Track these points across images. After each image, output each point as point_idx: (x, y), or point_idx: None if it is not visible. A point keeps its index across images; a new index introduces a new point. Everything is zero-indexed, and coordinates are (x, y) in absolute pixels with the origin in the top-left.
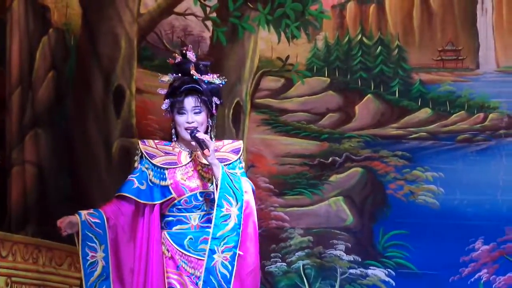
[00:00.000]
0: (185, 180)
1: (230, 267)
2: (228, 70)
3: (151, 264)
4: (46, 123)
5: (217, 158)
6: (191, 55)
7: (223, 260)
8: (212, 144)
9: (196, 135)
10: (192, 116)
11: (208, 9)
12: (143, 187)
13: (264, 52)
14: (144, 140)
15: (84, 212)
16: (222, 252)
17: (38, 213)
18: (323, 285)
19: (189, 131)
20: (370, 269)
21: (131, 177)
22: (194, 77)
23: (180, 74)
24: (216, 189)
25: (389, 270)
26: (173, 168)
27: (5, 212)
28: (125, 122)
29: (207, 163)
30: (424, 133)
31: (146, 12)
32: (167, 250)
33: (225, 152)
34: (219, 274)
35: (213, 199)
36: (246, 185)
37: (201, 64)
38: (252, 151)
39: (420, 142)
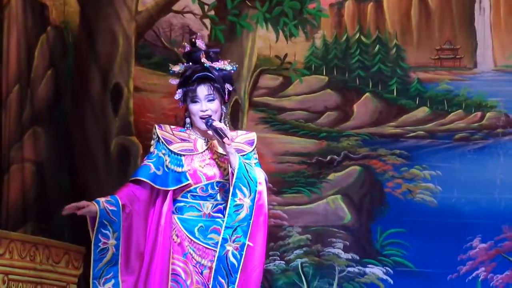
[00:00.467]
0: (202, 168)
1: (239, 257)
2: None
3: (158, 249)
4: (44, 121)
5: (238, 143)
6: (200, 43)
7: (234, 250)
8: (229, 132)
9: (213, 124)
10: (206, 104)
11: (206, 7)
12: (159, 173)
13: (262, 50)
14: (161, 125)
15: (102, 200)
16: (233, 241)
17: (37, 211)
18: (321, 283)
19: (204, 120)
20: (368, 267)
21: (148, 161)
22: (205, 65)
23: (190, 63)
24: (232, 178)
25: (387, 268)
26: (190, 155)
27: (0, 210)
28: (123, 120)
29: (223, 153)
30: (422, 132)
31: (144, 10)
32: (177, 235)
33: (239, 142)
34: (228, 263)
35: (227, 189)
36: (261, 176)
37: (211, 52)
38: None
39: (418, 141)
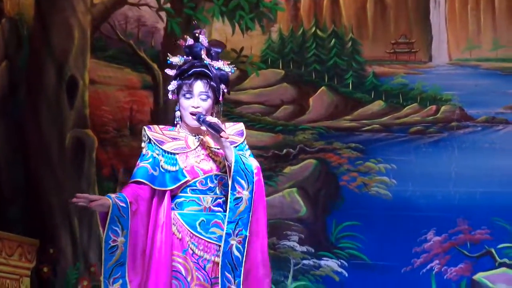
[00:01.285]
0: (199, 163)
1: (242, 250)
2: None
3: (160, 246)
4: None
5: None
6: (203, 39)
7: (237, 243)
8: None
9: (206, 119)
10: (198, 101)
11: (162, 0)
12: (156, 173)
13: (222, 43)
14: (150, 126)
15: (112, 195)
16: (236, 235)
17: None
18: (276, 276)
19: (194, 117)
20: (323, 260)
21: (144, 163)
22: (205, 61)
23: (190, 57)
24: (229, 172)
25: (341, 261)
26: (184, 152)
27: None
28: (78, 113)
29: (216, 147)
30: (377, 125)
31: (99, 3)
32: (178, 231)
33: (230, 134)
34: (233, 258)
35: (225, 183)
36: (255, 166)
37: (213, 50)
38: None
39: (373, 134)
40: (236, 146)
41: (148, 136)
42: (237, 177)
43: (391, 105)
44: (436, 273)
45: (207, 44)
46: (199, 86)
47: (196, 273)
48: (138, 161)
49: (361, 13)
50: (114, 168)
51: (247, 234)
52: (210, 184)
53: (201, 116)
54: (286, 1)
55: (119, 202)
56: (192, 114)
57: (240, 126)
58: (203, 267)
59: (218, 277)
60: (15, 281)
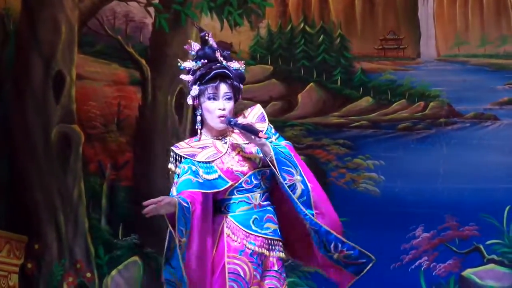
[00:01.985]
0: (235, 166)
1: (317, 224)
2: (170, 57)
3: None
4: None
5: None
6: (212, 41)
7: (310, 224)
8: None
9: (237, 122)
10: (224, 102)
11: None
12: (201, 180)
13: None
14: (176, 145)
15: (176, 196)
16: (305, 219)
17: None
18: None
19: (223, 119)
20: None
21: (185, 176)
22: (223, 63)
23: (206, 61)
24: (274, 166)
25: None
26: (218, 158)
27: None
28: (65, 108)
29: (243, 143)
30: (366, 122)
31: None
32: (232, 233)
33: (253, 123)
34: (317, 233)
35: (268, 177)
36: (290, 147)
37: (225, 51)
38: None
39: (361, 131)
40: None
41: (178, 155)
42: (283, 167)
43: (379, 101)
44: (425, 270)
45: (217, 45)
46: (223, 87)
47: (254, 272)
48: (175, 180)
49: (350, 9)
50: (101, 163)
51: (313, 212)
52: (255, 181)
53: (231, 119)
54: None
55: (182, 202)
56: (220, 117)
57: (259, 109)
58: (260, 263)
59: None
60: (3, 278)
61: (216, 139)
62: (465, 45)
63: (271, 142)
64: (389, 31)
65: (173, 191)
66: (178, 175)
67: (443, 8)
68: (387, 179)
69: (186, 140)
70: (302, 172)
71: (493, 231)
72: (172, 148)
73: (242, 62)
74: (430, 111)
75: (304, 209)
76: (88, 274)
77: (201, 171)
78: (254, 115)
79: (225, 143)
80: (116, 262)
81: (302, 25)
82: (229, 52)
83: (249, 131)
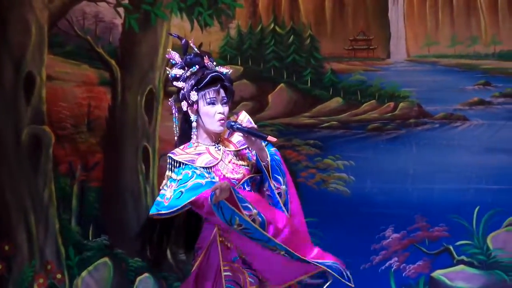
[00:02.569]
0: (232, 174)
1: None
2: (140, 57)
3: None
4: None
5: (240, 137)
6: (195, 48)
7: None
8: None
9: (242, 125)
10: (222, 106)
11: None
12: (208, 179)
13: (177, 39)
14: (173, 151)
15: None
16: None
17: None
18: None
19: (224, 124)
20: None
21: (192, 181)
22: (216, 67)
23: (196, 67)
24: (268, 171)
25: None
26: (215, 165)
27: None
28: (35, 109)
29: (235, 150)
30: (336, 122)
31: None
32: (226, 240)
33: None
34: None
35: (258, 183)
36: (278, 154)
37: (211, 56)
38: (165, 139)
39: (331, 131)
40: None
41: (177, 161)
42: (275, 175)
43: (349, 102)
44: (395, 271)
45: (200, 51)
46: (221, 92)
47: (249, 279)
48: (170, 183)
49: (320, 10)
50: (72, 164)
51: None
52: (247, 188)
53: (233, 123)
54: None
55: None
56: (220, 120)
57: (244, 116)
58: (255, 270)
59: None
60: None
61: (210, 145)
62: (435, 45)
63: (272, 152)
64: (359, 31)
65: (167, 193)
66: (178, 181)
67: (413, 8)
68: (357, 180)
69: (181, 147)
70: (287, 182)
71: (463, 232)
72: (170, 155)
73: (227, 66)
74: (400, 112)
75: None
76: (59, 275)
77: (206, 175)
78: (241, 121)
79: (219, 149)
80: (87, 263)
81: (272, 25)
82: (212, 58)
83: (256, 135)
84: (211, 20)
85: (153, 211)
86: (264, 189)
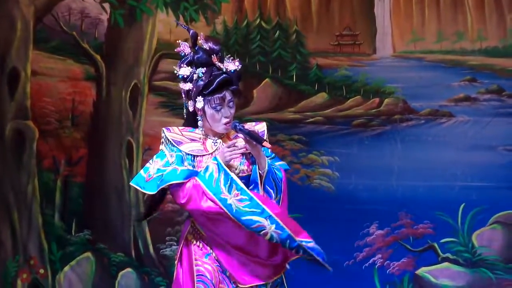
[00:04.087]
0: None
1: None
2: (126, 52)
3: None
4: None
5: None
6: (203, 42)
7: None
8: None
9: (244, 128)
10: (228, 109)
11: None
12: (189, 167)
13: (162, 34)
14: (168, 127)
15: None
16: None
17: None
18: None
19: (229, 126)
20: None
21: (172, 166)
22: (223, 69)
23: (204, 68)
24: (260, 180)
25: None
26: (201, 155)
27: None
28: (19, 105)
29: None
30: (321, 118)
31: None
32: (195, 238)
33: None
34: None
35: (245, 184)
36: (283, 174)
37: (219, 52)
38: (149, 133)
39: (316, 126)
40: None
41: (166, 137)
42: (267, 186)
43: (334, 97)
44: (379, 268)
45: (212, 46)
46: (228, 95)
47: (220, 277)
48: (156, 159)
49: (306, 5)
50: (56, 159)
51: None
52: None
53: (237, 124)
54: None
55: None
56: (226, 123)
57: (262, 126)
58: (224, 270)
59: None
60: None
61: (210, 137)
62: (421, 41)
63: (273, 164)
64: (345, 27)
65: (151, 170)
66: (164, 157)
67: (400, 4)
68: (341, 176)
69: (181, 127)
70: (280, 201)
71: (448, 229)
72: (164, 129)
73: (237, 60)
74: (385, 108)
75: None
76: (42, 271)
77: (185, 162)
78: (257, 130)
79: (215, 144)
80: (69, 258)
81: (258, 21)
82: (218, 48)
83: (254, 138)
84: (197, 15)
85: (133, 182)
86: None
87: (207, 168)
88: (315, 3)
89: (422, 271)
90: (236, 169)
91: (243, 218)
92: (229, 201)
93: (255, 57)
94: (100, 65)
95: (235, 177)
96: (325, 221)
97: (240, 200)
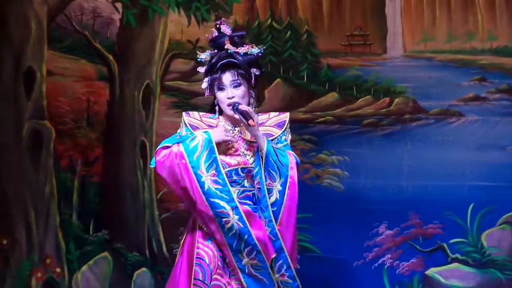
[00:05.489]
0: (225, 156)
1: (274, 239)
2: (138, 53)
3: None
4: None
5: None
6: (225, 28)
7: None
8: (256, 115)
9: (239, 107)
10: (232, 90)
11: None
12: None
13: (174, 34)
14: (189, 112)
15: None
16: (267, 225)
17: None
18: None
19: (230, 107)
20: None
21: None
22: (229, 51)
23: (216, 50)
24: (262, 162)
25: None
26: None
27: None
28: (35, 104)
29: (250, 140)
30: (331, 117)
31: None
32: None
33: (269, 126)
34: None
35: (254, 175)
36: (292, 160)
37: (236, 36)
38: (161, 134)
39: (326, 126)
40: (273, 139)
41: (184, 121)
42: (268, 169)
43: (344, 97)
44: (388, 268)
45: (230, 32)
46: (228, 76)
47: (219, 262)
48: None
49: (317, 5)
50: (72, 159)
51: (276, 226)
52: (235, 177)
53: (235, 104)
54: None
55: None
56: (229, 105)
57: (284, 116)
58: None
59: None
60: None
61: (229, 125)
62: (431, 41)
63: (280, 148)
64: (356, 27)
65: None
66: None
67: (411, 4)
68: (351, 175)
69: (202, 113)
70: (287, 185)
71: (457, 230)
72: (184, 113)
73: (252, 44)
74: (395, 107)
75: (271, 214)
76: (58, 270)
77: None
78: (276, 120)
79: (233, 132)
80: (87, 258)
81: (269, 21)
82: (243, 34)
83: (243, 116)
84: (208, 15)
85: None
86: (255, 182)
87: (194, 138)
88: (326, 3)
89: (432, 271)
90: (249, 157)
91: (211, 199)
92: (203, 179)
93: (266, 57)
94: (113, 65)
95: (218, 158)
96: (335, 221)
97: (215, 182)
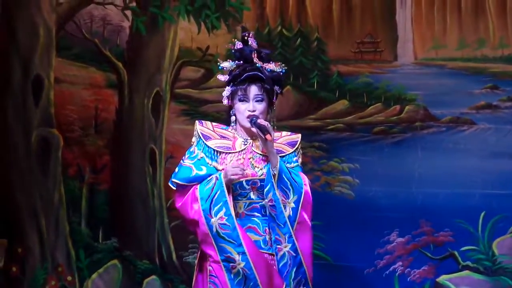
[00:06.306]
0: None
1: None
2: (147, 60)
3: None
4: None
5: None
6: (253, 42)
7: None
8: (273, 131)
9: (257, 121)
10: (254, 104)
11: None
12: (202, 172)
13: (184, 42)
14: (202, 121)
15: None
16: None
17: None
18: None
19: (249, 119)
20: None
21: (189, 162)
22: (257, 64)
23: (241, 61)
24: (275, 179)
25: None
26: (226, 153)
27: None
28: (44, 112)
29: (260, 153)
30: (341, 125)
31: (65, 2)
32: None
33: (281, 144)
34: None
35: (260, 187)
36: (304, 177)
37: (263, 52)
38: (171, 141)
39: (337, 134)
40: (283, 156)
41: (197, 131)
42: (281, 186)
43: (355, 104)
44: (399, 275)
45: (256, 46)
46: (253, 89)
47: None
48: (186, 154)
49: (327, 12)
50: (80, 167)
51: (291, 243)
52: (240, 190)
53: (254, 118)
54: (252, 0)
55: None
56: (248, 117)
57: (296, 137)
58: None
59: None
60: None
61: (241, 137)
62: (442, 48)
63: (292, 168)
64: (367, 34)
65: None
66: (191, 153)
67: (421, 11)
68: (362, 183)
69: (215, 123)
70: (300, 203)
71: (468, 237)
72: (197, 122)
73: (278, 63)
74: (406, 115)
75: (291, 230)
76: (69, 278)
77: (206, 156)
78: (288, 139)
79: (245, 144)
80: (97, 266)
81: (279, 28)
82: (268, 52)
83: (260, 130)
84: (218, 23)
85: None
86: (267, 199)
87: (210, 180)
88: (337, 11)
89: (443, 279)
90: (259, 170)
91: (219, 243)
92: (212, 222)
93: None
94: (122, 73)
95: (229, 201)
96: (346, 228)
97: (223, 226)
